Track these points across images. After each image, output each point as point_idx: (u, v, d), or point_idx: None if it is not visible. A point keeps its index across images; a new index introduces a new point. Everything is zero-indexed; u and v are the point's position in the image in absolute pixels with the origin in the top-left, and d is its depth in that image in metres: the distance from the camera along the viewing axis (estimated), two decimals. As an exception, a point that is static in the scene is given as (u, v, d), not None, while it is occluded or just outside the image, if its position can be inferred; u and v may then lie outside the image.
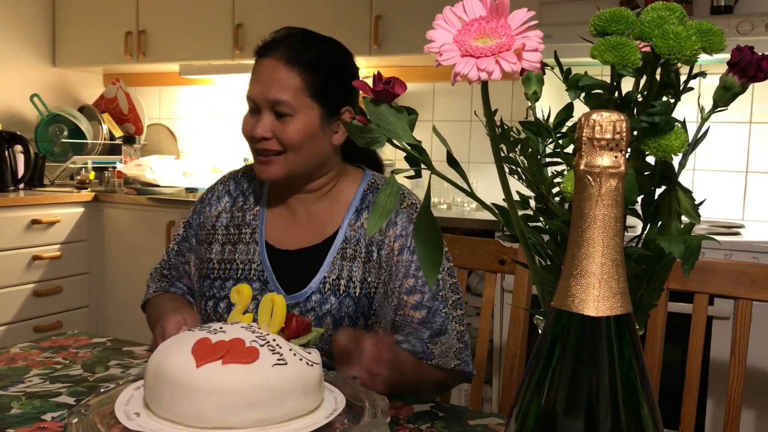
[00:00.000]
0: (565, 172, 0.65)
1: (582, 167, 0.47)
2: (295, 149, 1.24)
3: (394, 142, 0.73)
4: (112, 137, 3.71)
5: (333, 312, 1.23)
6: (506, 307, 2.35)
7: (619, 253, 0.48)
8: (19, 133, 3.24)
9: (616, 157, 0.47)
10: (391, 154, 3.16)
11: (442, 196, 2.87)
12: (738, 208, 2.64)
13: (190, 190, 3.17)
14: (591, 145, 0.47)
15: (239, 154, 3.41)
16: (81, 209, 3.13)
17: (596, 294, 0.47)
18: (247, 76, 1.29)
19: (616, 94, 0.59)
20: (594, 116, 0.47)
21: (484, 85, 0.62)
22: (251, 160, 1.34)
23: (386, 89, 0.71)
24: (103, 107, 3.79)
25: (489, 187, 2.96)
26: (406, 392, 1.12)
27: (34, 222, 2.91)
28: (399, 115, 0.74)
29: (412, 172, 0.77)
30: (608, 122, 0.47)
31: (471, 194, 0.74)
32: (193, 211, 1.44)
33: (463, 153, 3.06)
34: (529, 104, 0.75)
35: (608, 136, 0.47)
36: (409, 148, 0.74)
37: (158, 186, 3.19)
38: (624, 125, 0.47)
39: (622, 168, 0.47)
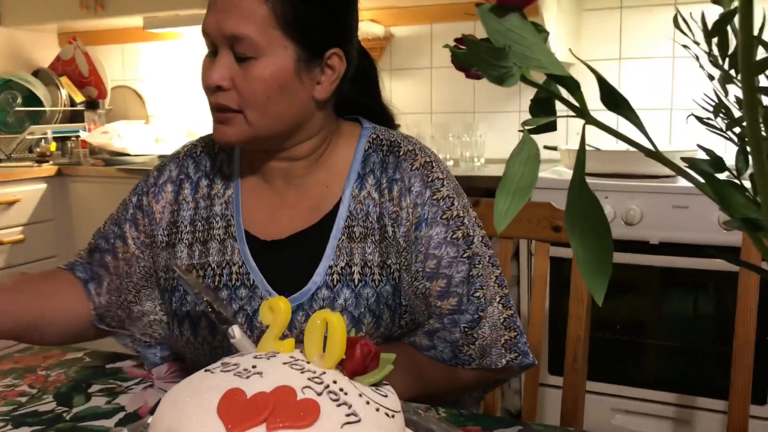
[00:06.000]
0: None
1: None
2: (256, 107, 0.93)
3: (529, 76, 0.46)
4: (72, 103, 3.35)
5: (349, 309, 0.96)
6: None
7: None
8: (-34, 103, 2.89)
9: None
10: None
11: (448, 151, 2.59)
12: None
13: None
14: None
15: (216, 116, 3.09)
16: (43, 185, 2.80)
17: None
18: None
19: None
20: None
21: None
22: None
23: (520, -10, 0.44)
24: (60, 70, 3.42)
25: (499, 140, 2.69)
26: (437, 401, 0.91)
27: (-9, 202, 2.60)
28: (536, 33, 0.46)
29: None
30: None
31: (654, 153, 0.46)
32: (133, 191, 1.11)
33: (467, 103, 2.78)
34: None
35: None
36: (551, 83, 0.47)
37: (128, 155, 2.87)
38: None
39: None
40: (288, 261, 1.00)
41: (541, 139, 0.48)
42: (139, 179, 1.12)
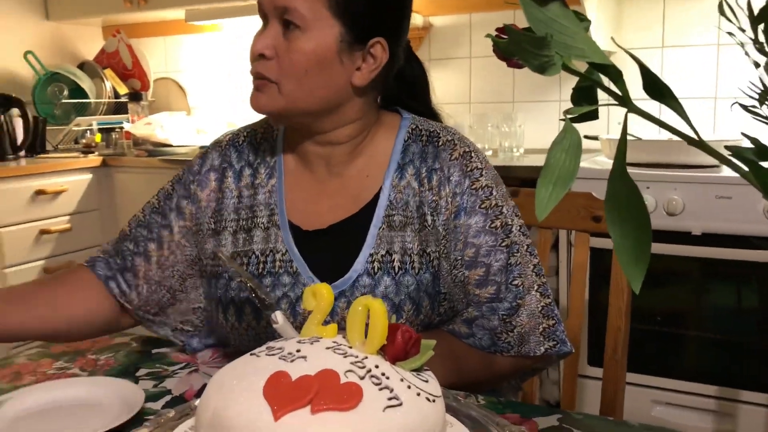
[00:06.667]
0: None
1: None
2: (293, 78, 0.95)
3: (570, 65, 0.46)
4: (116, 95, 3.42)
5: (390, 296, 0.97)
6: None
7: None
8: (14, 95, 2.95)
9: None
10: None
11: (487, 141, 2.58)
12: None
13: (206, 149, 2.90)
14: None
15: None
16: (89, 176, 2.87)
17: None
18: (256, 18, 1.01)
19: None
20: None
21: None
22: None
23: (564, -22, 0.44)
24: (104, 62, 3.49)
25: (538, 130, 2.67)
26: (475, 389, 0.92)
27: (39, 193, 2.66)
28: (578, 22, 0.46)
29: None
30: None
31: (698, 142, 0.46)
32: (177, 180, 1.13)
33: (507, 92, 2.76)
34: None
35: None
36: (593, 72, 0.47)
37: (171, 146, 2.92)
38: None
39: None
40: (329, 249, 1.01)
41: (581, 129, 0.48)
42: (181, 168, 1.15)
